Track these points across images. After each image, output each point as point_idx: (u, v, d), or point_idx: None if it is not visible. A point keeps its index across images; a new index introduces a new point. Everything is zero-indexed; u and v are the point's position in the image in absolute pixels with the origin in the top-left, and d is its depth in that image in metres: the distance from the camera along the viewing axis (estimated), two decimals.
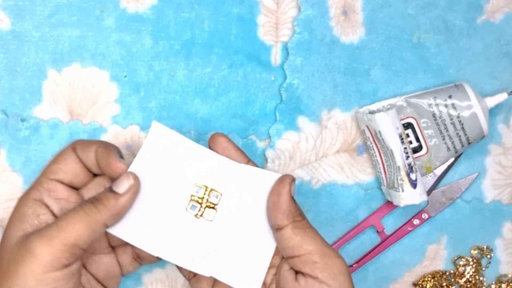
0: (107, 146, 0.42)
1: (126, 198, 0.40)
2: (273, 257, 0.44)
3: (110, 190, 0.40)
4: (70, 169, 0.42)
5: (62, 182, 0.42)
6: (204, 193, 0.43)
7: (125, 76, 0.50)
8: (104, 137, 0.50)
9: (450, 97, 0.49)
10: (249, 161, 0.45)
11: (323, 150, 0.52)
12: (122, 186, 0.40)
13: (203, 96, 0.51)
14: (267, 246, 0.43)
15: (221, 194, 0.43)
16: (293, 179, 0.43)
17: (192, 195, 0.43)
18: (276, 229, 0.42)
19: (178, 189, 0.43)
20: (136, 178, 0.40)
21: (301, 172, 0.52)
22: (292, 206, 0.42)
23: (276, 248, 0.43)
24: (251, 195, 0.43)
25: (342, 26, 0.52)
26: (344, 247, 0.52)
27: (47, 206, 0.41)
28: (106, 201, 0.39)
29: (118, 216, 0.40)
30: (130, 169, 0.42)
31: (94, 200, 0.39)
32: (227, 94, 0.51)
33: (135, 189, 0.40)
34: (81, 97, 0.50)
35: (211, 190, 0.43)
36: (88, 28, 0.49)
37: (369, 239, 0.53)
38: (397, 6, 0.53)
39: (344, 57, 0.52)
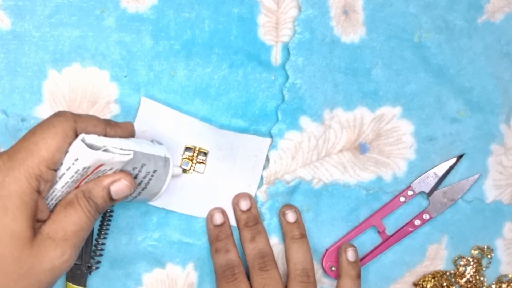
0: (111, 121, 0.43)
1: (119, 200, 0.43)
2: None
3: (111, 197, 0.41)
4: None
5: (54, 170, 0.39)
6: (193, 152, 0.50)
7: (125, 76, 0.50)
8: None
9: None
10: None
11: (325, 150, 0.52)
12: (121, 194, 0.42)
13: (203, 96, 0.51)
14: (250, 188, 0.51)
15: (207, 152, 0.50)
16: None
17: (183, 155, 0.50)
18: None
19: (172, 151, 0.50)
20: (133, 185, 0.42)
21: (303, 171, 0.52)
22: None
23: None
24: (232, 150, 0.51)
25: (342, 25, 0.52)
26: None
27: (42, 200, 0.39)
28: (105, 206, 0.42)
29: None
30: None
31: (94, 205, 0.40)
32: (227, 94, 0.51)
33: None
34: (81, 97, 0.49)
35: (199, 149, 0.50)
36: (88, 28, 0.49)
37: (370, 239, 0.53)
38: (398, 5, 0.53)
39: (345, 56, 0.52)
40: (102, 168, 0.40)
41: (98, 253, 0.50)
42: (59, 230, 0.38)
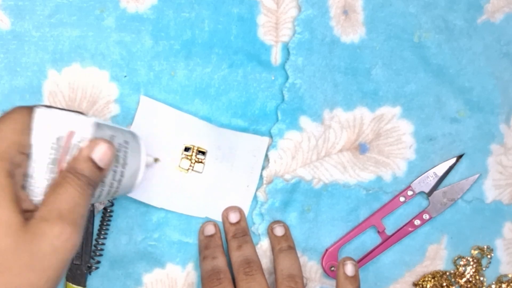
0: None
1: (108, 170, 0.41)
2: None
3: (97, 167, 0.39)
4: None
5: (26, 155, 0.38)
6: (192, 151, 0.50)
7: (125, 76, 0.50)
8: None
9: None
10: None
11: (325, 149, 0.52)
12: (106, 160, 0.40)
13: (203, 96, 0.51)
14: (248, 188, 0.52)
15: (206, 151, 0.50)
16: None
17: (182, 154, 0.50)
18: None
19: (170, 150, 0.50)
20: (113, 147, 0.41)
21: (303, 171, 0.52)
22: None
23: None
24: (230, 149, 0.51)
25: (342, 25, 0.52)
26: (345, 247, 0.52)
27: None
28: (95, 178, 0.40)
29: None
30: None
31: (84, 178, 0.39)
32: (227, 94, 0.51)
33: (114, 158, 0.41)
34: (80, 97, 0.49)
35: (198, 148, 0.50)
36: (88, 28, 0.49)
37: (369, 239, 0.53)
38: (398, 5, 0.53)
39: (345, 56, 0.52)
40: (75, 141, 0.39)
41: (98, 253, 0.50)
42: (53, 211, 0.36)
